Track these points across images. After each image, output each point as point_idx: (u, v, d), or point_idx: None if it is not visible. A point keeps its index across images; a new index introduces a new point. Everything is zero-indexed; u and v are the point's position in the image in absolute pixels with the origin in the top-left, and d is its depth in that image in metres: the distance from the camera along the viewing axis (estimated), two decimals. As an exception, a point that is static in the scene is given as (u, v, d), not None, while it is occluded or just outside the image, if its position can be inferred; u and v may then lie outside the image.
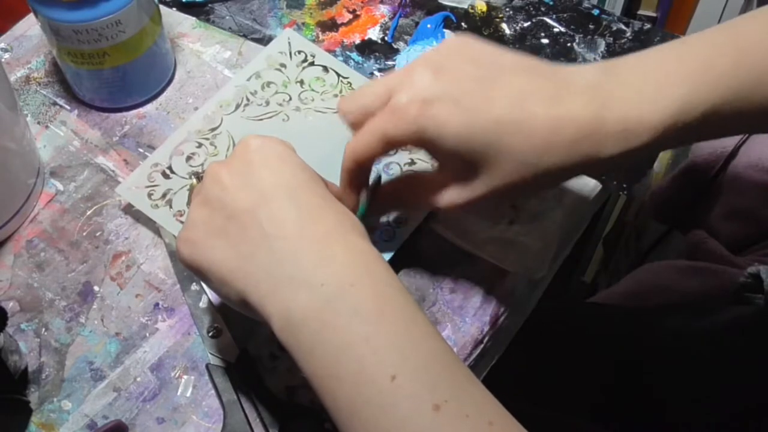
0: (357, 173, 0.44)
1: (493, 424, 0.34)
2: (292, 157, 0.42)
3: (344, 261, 0.38)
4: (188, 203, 0.53)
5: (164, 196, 0.54)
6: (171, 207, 0.53)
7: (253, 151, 0.41)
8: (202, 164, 0.55)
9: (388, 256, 0.51)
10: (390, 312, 0.37)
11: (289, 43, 0.61)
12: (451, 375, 0.36)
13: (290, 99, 0.58)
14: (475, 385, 0.36)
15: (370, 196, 0.46)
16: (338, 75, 0.60)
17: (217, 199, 0.40)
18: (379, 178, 0.48)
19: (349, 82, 0.59)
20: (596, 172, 0.55)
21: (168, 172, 0.55)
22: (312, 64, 0.60)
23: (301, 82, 0.59)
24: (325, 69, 0.60)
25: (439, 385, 0.35)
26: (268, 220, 0.39)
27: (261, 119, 0.57)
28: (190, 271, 0.42)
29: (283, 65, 0.60)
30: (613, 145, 0.38)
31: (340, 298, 0.37)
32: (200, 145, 0.56)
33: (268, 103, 0.58)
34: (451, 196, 0.45)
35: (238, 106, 0.58)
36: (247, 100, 0.58)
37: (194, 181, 0.54)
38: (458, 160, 0.40)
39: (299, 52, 0.61)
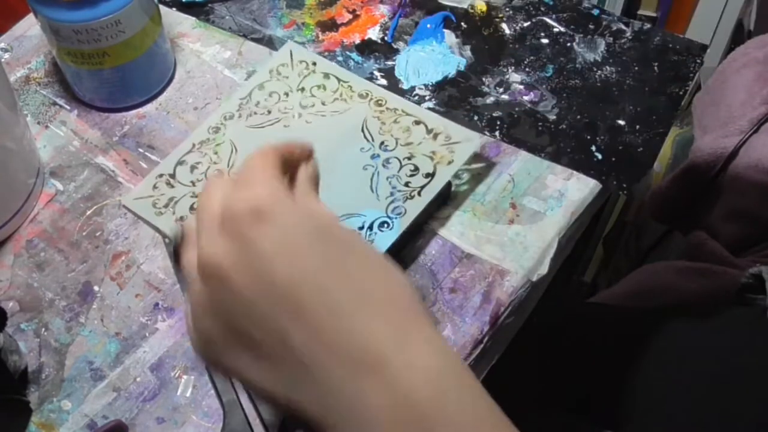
0: None
1: None
2: (308, 229, 0.32)
3: (428, 366, 0.30)
4: (191, 209, 0.54)
5: (167, 204, 0.54)
6: (174, 213, 0.54)
7: (259, 237, 0.31)
8: (204, 172, 0.55)
9: (387, 244, 0.51)
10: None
11: (291, 54, 0.62)
12: None
13: (292, 107, 0.59)
14: None
15: None
16: (338, 80, 0.60)
17: (228, 311, 0.31)
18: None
19: (349, 86, 0.59)
20: None
21: (171, 180, 0.55)
22: (313, 72, 0.61)
23: (303, 90, 0.59)
24: (326, 76, 0.60)
25: None
26: (305, 340, 0.30)
27: (263, 126, 0.58)
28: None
29: (285, 76, 0.60)
30: None
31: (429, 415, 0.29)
32: (204, 154, 0.57)
33: (270, 111, 0.59)
34: None
35: (240, 117, 0.58)
36: (250, 111, 0.59)
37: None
38: None
39: (301, 62, 0.61)
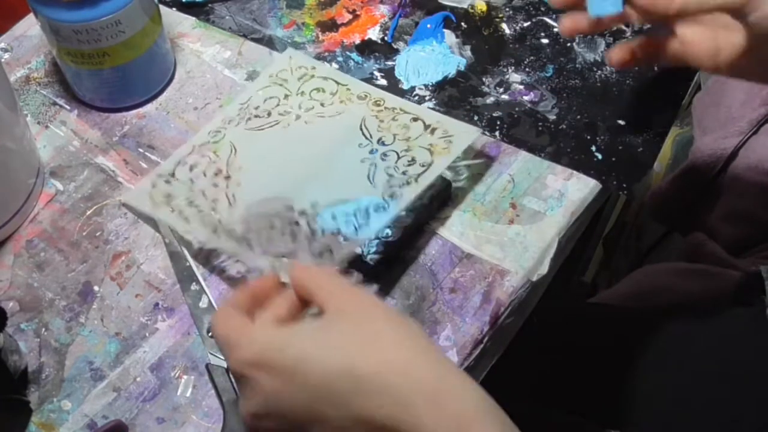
0: None
1: None
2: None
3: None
4: (188, 204, 0.54)
5: (166, 202, 0.54)
6: (172, 210, 0.54)
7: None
8: (204, 171, 0.55)
9: (381, 223, 0.50)
10: None
11: (290, 60, 0.62)
12: None
13: (291, 109, 0.59)
14: None
15: None
16: (337, 83, 0.60)
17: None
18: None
19: (348, 88, 0.59)
20: None
21: (170, 179, 0.55)
22: (312, 77, 0.61)
23: (302, 93, 0.59)
24: (325, 79, 0.60)
25: None
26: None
27: (263, 129, 0.58)
28: None
29: (284, 80, 0.60)
30: None
31: None
32: (203, 155, 0.57)
33: (269, 114, 0.59)
34: None
35: (240, 121, 0.58)
36: (250, 115, 0.59)
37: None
38: None
39: (300, 67, 0.61)
